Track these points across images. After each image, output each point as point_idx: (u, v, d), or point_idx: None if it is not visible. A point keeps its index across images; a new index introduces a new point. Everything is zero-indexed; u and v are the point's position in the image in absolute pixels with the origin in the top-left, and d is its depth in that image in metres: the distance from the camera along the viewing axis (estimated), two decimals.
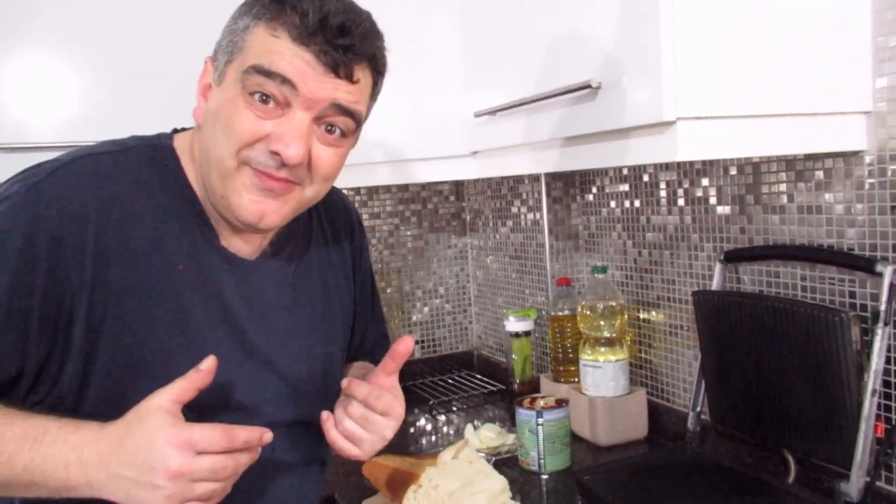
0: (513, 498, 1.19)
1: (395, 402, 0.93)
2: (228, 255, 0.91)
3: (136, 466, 0.75)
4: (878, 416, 1.03)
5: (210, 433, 0.76)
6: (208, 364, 0.79)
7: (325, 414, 0.93)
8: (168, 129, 0.96)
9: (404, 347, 0.91)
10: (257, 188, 0.84)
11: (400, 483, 1.25)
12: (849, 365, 1.01)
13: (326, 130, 0.85)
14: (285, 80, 0.80)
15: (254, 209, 0.85)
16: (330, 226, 1.07)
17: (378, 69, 0.88)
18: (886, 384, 1.04)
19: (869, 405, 1.00)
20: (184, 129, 0.95)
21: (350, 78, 0.83)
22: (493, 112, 1.30)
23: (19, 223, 0.80)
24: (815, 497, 1.05)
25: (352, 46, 0.81)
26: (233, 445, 0.77)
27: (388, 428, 0.93)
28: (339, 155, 0.88)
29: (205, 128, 0.87)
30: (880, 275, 1.01)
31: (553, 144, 1.18)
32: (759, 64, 0.96)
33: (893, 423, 1.04)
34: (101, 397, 0.83)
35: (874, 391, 1.00)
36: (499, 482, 1.17)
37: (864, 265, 1.04)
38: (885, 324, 1.00)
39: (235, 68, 0.83)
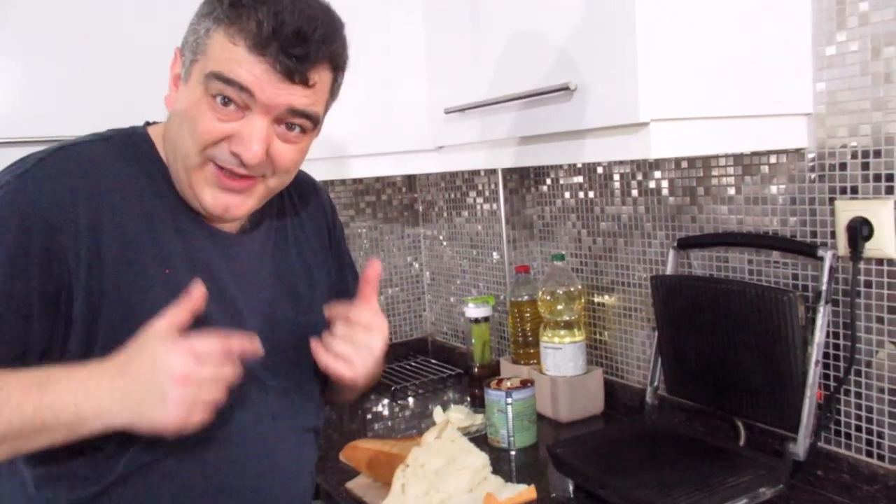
0: (493, 472, 1.27)
1: (377, 317, 0.99)
2: (212, 230, 0.97)
3: (142, 382, 0.80)
4: (818, 385, 1.16)
5: (208, 340, 0.83)
6: (198, 290, 0.85)
7: (314, 342, 0.97)
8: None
9: (373, 270, 0.99)
10: (219, 186, 0.90)
11: (382, 464, 1.32)
12: (795, 339, 1.14)
13: (287, 128, 0.90)
14: (243, 88, 0.85)
15: (218, 202, 0.91)
16: (302, 205, 1.12)
17: (337, 67, 0.93)
18: (825, 356, 1.18)
19: (813, 374, 1.13)
20: (155, 123, 1.00)
21: (305, 83, 0.87)
22: (463, 109, 1.37)
23: (12, 211, 0.83)
24: (765, 458, 1.18)
25: (307, 55, 0.85)
26: (229, 350, 0.84)
27: (374, 341, 0.98)
28: (299, 150, 0.94)
29: (172, 121, 0.92)
30: (821, 259, 1.14)
31: (524, 140, 1.26)
32: (720, 71, 1.06)
33: (832, 389, 1.18)
34: None
35: (817, 362, 1.13)
36: (480, 458, 1.25)
37: (807, 250, 1.17)
38: (826, 302, 1.13)
39: (199, 70, 0.87)
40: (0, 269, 0.82)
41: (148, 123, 1.00)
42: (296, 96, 0.87)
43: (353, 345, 0.97)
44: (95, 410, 0.80)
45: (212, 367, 0.82)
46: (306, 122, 0.91)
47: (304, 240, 1.10)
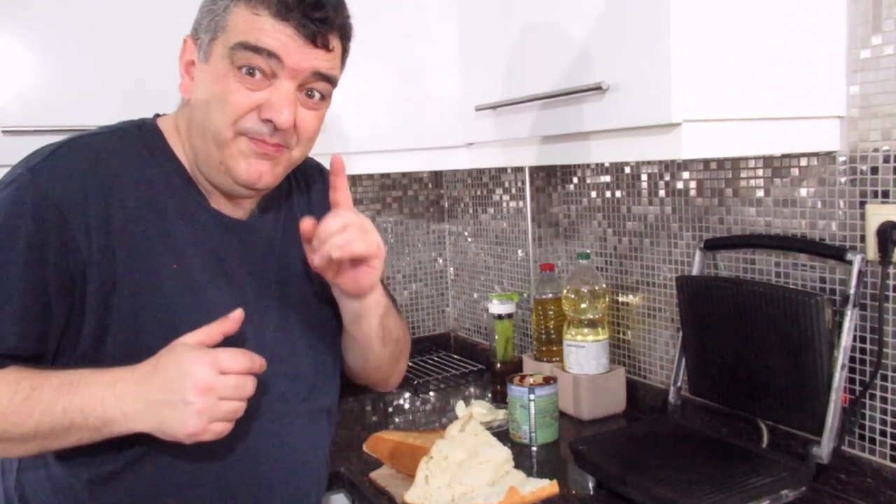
0: (515, 467, 1.28)
1: (356, 216, 0.95)
2: (222, 217, 0.99)
3: (167, 389, 0.83)
4: (843, 388, 1.16)
5: (233, 354, 0.86)
6: (237, 315, 0.89)
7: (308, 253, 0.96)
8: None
9: (336, 164, 0.97)
10: (254, 153, 0.93)
11: (406, 455, 1.34)
12: (822, 342, 1.14)
13: (307, 95, 0.94)
14: (271, 54, 0.89)
15: (252, 170, 0.94)
16: (309, 188, 1.14)
17: (347, 36, 0.98)
18: (851, 360, 1.18)
19: (839, 378, 1.13)
20: (165, 115, 1.03)
21: (326, 47, 0.92)
22: (494, 107, 1.38)
23: (27, 202, 0.86)
24: (788, 460, 1.18)
25: (326, 18, 0.91)
26: (252, 366, 0.87)
27: (358, 230, 0.94)
28: (318, 117, 0.98)
29: (196, 103, 0.94)
30: (850, 262, 1.14)
31: (554, 139, 1.27)
32: (753, 73, 1.06)
33: (857, 393, 1.18)
34: (116, 354, 0.89)
35: (843, 365, 1.13)
36: (503, 452, 1.26)
37: (836, 254, 1.16)
38: (854, 306, 1.13)
39: (221, 45, 0.90)
40: (18, 258, 0.85)
41: (157, 115, 1.03)
42: (319, 60, 0.92)
43: (342, 238, 0.93)
44: (121, 414, 0.84)
45: (234, 380, 0.85)
46: (327, 87, 0.95)
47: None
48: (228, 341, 0.91)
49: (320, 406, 1.08)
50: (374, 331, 1.06)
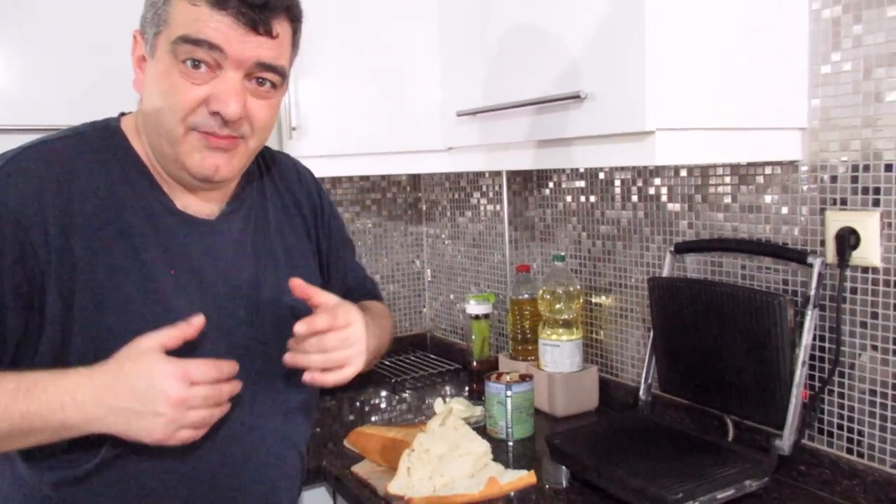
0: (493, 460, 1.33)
1: (340, 313, 0.97)
2: (187, 217, 0.98)
3: (136, 398, 0.85)
4: (804, 385, 1.23)
5: (202, 365, 0.89)
6: (198, 321, 0.90)
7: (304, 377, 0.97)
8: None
9: (297, 289, 0.98)
10: (207, 147, 0.92)
11: (388, 448, 1.38)
12: (784, 341, 1.21)
13: (258, 83, 0.93)
14: (213, 46, 0.87)
15: (207, 164, 0.93)
16: (284, 187, 1.13)
17: (295, 18, 0.96)
18: (812, 357, 1.25)
19: (799, 374, 1.20)
20: (129, 112, 1.02)
21: (270, 34, 0.90)
22: (475, 112, 1.43)
23: None
24: (752, 452, 1.24)
25: (266, 4, 0.89)
26: (220, 376, 0.90)
27: (349, 337, 0.97)
28: (272, 106, 0.96)
29: (146, 99, 0.94)
30: (811, 265, 1.21)
31: (533, 144, 1.32)
32: (722, 85, 1.13)
33: (816, 389, 1.25)
34: (81, 358, 0.89)
35: (804, 363, 1.20)
36: (482, 445, 1.31)
37: (798, 257, 1.24)
38: (814, 306, 1.20)
39: (164, 39, 0.89)
40: None
41: (122, 114, 1.02)
42: (262, 49, 0.90)
43: (333, 350, 0.96)
44: (83, 420, 0.85)
45: (204, 390, 0.88)
46: (275, 76, 0.93)
47: (287, 223, 1.11)
48: (199, 342, 0.92)
49: (295, 403, 1.07)
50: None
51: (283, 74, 0.95)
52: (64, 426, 0.85)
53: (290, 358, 0.97)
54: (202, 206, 1.00)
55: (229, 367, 0.92)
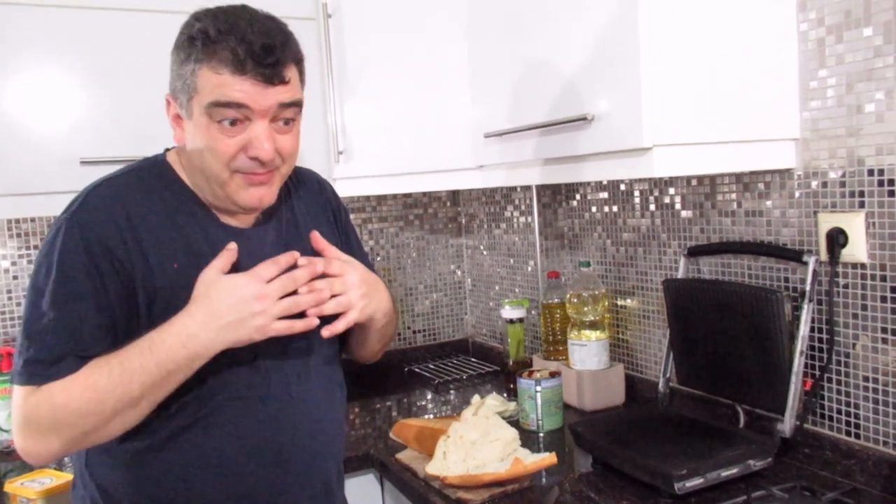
0: (521, 446, 1.48)
1: (344, 265, 1.16)
2: (231, 229, 1.17)
3: (233, 310, 1.05)
4: (806, 374, 1.34)
5: (265, 265, 1.08)
6: (233, 246, 1.11)
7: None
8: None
9: (317, 242, 1.18)
10: (250, 185, 1.12)
11: (427, 437, 1.53)
12: (783, 332, 1.32)
13: (283, 123, 1.10)
14: (240, 105, 1.04)
15: (253, 197, 1.12)
16: (307, 196, 1.30)
17: (299, 60, 1.12)
18: (811, 348, 1.36)
19: (798, 363, 1.31)
20: (172, 147, 1.21)
21: (283, 82, 1.06)
22: (500, 134, 1.59)
23: (76, 242, 1.06)
24: (757, 436, 1.36)
25: (277, 61, 1.05)
26: (280, 267, 1.08)
27: (350, 283, 1.14)
28: (294, 135, 1.13)
29: (192, 153, 1.11)
30: (806, 263, 1.33)
31: (552, 161, 1.47)
32: (716, 101, 1.26)
33: (817, 377, 1.36)
34: None
35: (801, 352, 1.32)
36: (511, 432, 1.46)
37: (795, 256, 1.35)
38: (810, 300, 1.32)
39: (197, 104, 1.06)
40: (85, 287, 1.05)
41: (167, 150, 1.20)
42: (280, 95, 1.06)
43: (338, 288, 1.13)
44: (203, 346, 1.05)
45: (278, 282, 1.07)
46: (295, 110, 1.11)
47: (315, 225, 1.26)
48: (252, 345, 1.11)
49: (333, 381, 1.25)
50: (374, 335, 1.27)
51: (299, 105, 1.12)
52: (191, 358, 1.04)
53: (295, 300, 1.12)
54: (240, 222, 1.20)
55: (285, 258, 1.09)
